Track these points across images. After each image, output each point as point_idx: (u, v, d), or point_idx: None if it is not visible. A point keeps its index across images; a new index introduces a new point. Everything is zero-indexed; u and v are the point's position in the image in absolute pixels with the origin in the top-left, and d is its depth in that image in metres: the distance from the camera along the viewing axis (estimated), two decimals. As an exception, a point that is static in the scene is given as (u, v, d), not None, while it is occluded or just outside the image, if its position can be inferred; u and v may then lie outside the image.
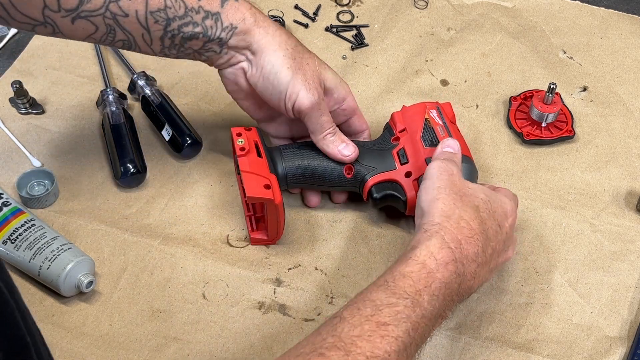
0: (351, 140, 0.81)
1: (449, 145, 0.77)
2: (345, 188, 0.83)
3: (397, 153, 0.81)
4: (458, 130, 0.83)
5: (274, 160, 0.80)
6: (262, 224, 0.82)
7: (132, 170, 0.86)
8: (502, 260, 0.74)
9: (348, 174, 0.81)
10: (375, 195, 0.80)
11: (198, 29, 0.74)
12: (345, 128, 0.84)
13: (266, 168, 0.78)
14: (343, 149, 0.80)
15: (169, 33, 0.73)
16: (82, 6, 0.69)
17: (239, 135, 0.79)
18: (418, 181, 0.78)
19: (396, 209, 0.82)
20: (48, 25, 0.69)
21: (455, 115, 0.86)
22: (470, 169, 0.79)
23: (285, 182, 0.80)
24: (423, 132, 0.81)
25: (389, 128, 0.84)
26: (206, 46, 0.76)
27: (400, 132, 0.82)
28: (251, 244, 0.83)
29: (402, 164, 0.80)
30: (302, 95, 0.76)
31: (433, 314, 0.63)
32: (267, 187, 0.76)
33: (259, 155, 0.79)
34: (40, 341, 0.58)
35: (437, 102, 0.84)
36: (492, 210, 0.71)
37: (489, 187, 0.76)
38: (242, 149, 0.78)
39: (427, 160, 0.77)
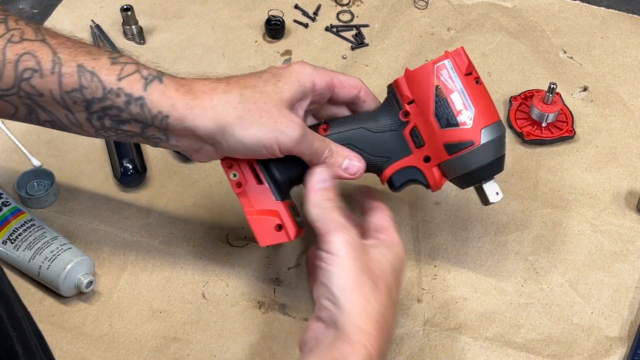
0: (353, 121, 0.72)
1: (320, 181, 0.67)
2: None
3: (410, 133, 0.70)
4: (479, 87, 0.69)
5: (276, 172, 0.71)
6: None
7: (131, 170, 0.86)
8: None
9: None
10: (396, 184, 0.72)
11: (124, 115, 0.65)
12: (334, 102, 0.74)
13: (271, 197, 0.70)
14: (347, 167, 0.70)
15: (94, 115, 0.65)
16: None
17: (230, 167, 0.70)
18: (440, 166, 0.70)
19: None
20: None
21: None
22: (498, 141, 0.69)
23: (289, 183, 0.73)
24: (436, 108, 0.68)
25: (394, 97, 0.71)
26: (146, 132, 0.66)
27: (409, 104, 0.70)
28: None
29: (417, 147, 0.70)
30: (282, 139, 0.66)
31: None
32: (279, 227, 0.70)
33: (259, 181, 0.70)
34: (38, 346, 0.58)
35: (446, 52, 0.69)
36: (398, 277, 0.66)
37: (375, 228, 0.69)
38: (239, 184, 0.70)
39: (447, 147, 0.68)
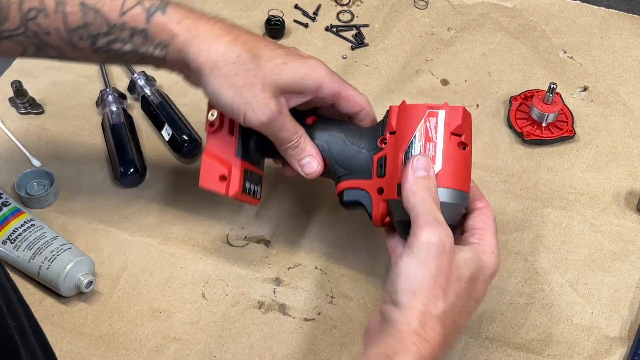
0: (338, 127, 0.73)
1: (421, 168, 0.64)
2: (322, 176, 0.74)
3: (378, 161, 0.69)
4: (459, 144, 0.67)
5: (248, 137, 0.73)
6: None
7: (131, 170, 0.86)
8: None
9: (324, 166, 0.73)
10: (344, 199, 0.72)
11: (128, 47, 0.67)
12: (336, 112, 0.74)
13: (233, 149, 0.72)
14: (304, 164, 0.71)
15: (100, 50, 0.67)
16: (1, 26, 0.65)
17: (212, 107, 0.72)
18: (388, 203, 0.68)
19: None
20: None
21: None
22: (451, 208, 0.65)
23: (262, 154, 0.75)
24: (409, 146, 0.66)
25: (383, 123, 0.71)
26: (145, 60, 0.69)
27: (390, 133, 0.69)
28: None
29: (378, 175, 0.69)
30: (249, 116, 0.67)
31: None
32: (222, 178, 0.71)
33: (232, 132, 0.72)
34: (39, 341, 0.58)
35: (445, 104, 0.67)
36: (472, 289, 0.63)
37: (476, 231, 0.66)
38: (212, 124, 0.72)
39: (399, 186, 0.65)
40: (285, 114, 0.69)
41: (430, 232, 0.60)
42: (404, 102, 0.70)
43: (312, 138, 0.72)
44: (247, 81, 0.66)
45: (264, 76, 0.66)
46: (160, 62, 0.69)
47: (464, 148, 0.68)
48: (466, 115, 0.68)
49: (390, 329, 0.59)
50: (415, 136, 0.67)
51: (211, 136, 0.72)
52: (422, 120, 0.67)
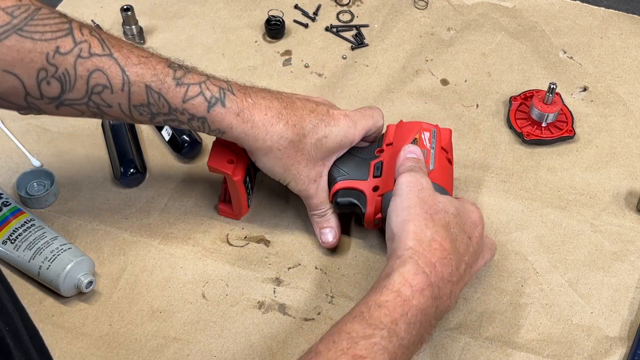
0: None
1: (411, 152, 0.74)
2: None
3: (374, 165, 0.79)
4: (447, 159, 0.80)
5: None
6: None
7: (131, 170, 0.86)
8: (477, 269, 0.73)
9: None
10: (338, 199, 0.79)
11: (185, 126, 0.72)
12: None
13: (241, 149, 0.77)
14: (324, 233, 0.81)
15: (156, 123, 0.72)
16: (64, 95, 0.67)
17: None
18: (382, 197, 0.76)
19: None
20: (33, 109, 0.68)
21: (456, 115, 0.85)
22: None
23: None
24: None
25: (381, 139, 0.82)
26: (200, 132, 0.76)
27: (387, 145, 0.80)
28: (218, 214, 0.85)
29: (374, 176, 0.78)
30: (292, 185, 0.78)
31: (411, 342, 0.62)
32: (231, 162, 0.77)
33: None
34: (35, 344, 0.58)
35: (436, 125, 0.81)
36: (462, 224, 0.70)
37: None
38: None
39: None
40: (321, 186, 0.80)
41: (408, 174, 0.70)
42: (401, 120, 0.82)
43: None
44: (295, 160, 0.76)
45: (308, 153, 0.76)
46: (213, 134, 0.75)
47: (450, 162, 0.81)
48: (450, 136, 0.82)
49: (389, 258, 0.67)
50: (412, 142, 0.78)
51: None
52: (417, 132, 0.79)
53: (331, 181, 0.80)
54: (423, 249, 0.65)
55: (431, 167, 0.77)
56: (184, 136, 0.89)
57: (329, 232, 0.81)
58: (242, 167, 0.78)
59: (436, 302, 0.65)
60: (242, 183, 0.79)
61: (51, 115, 0.69)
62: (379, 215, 0.76)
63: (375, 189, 0.77)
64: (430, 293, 0.64)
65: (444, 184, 0.76)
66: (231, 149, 0.78)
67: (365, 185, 0.78)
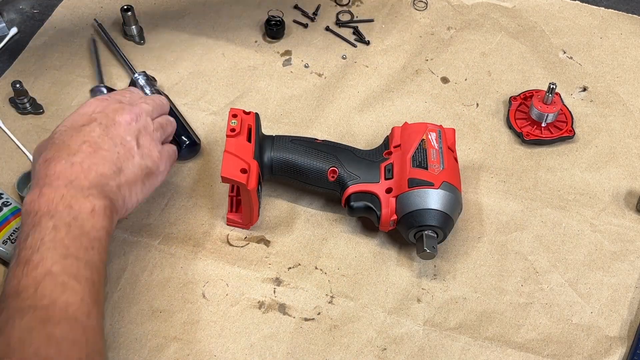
0: (346, 146, 0.83)
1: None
2: (326, 190, 0.83)
3: (385, 167, 0.80)
4: (454, 158, 0.81)
5: (264, 148, 0.81)
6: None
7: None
8: (153, 148, 0.76)
9: (332, 177, 0.81)
10: (352, 203, 0.79)
11: None
12: None
13: (251, 153, 0.79)
14: None
15: None
16: None
17: (235, 116, 0.81)
18: (397, 199, 0.78)
19: None
20: None
21: (456, 115, 0.86)
22: (453, 200, 0.77)
23: (270, 171, 0.82)
24: (415, 152, 0.79)
25: (386, 141, 0.84)
26: None
27: (394, 147, 0.82)
28: (226, 224, 0.84)
29: (386, 178, 0.80)
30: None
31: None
32: (244, 171, 0.77)
33: (249, 139, 0.80)
34: None
35: (440, 125, 0.83)
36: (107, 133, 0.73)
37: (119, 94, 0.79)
38: (233, 130, 0.79)
39: (410, 181, 0.77)
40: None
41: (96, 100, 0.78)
42: (405, 122, 0.83)
43: (322, 152, 0.82)
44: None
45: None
46: None
47: (456, 160, 0.82)
48: (454, 135, 0.83)
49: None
50: (420, 143, 0.80)
51: (230, 139, 0.79)
52: (424, 133, 0.81)
53: (343, 185, 0.81)
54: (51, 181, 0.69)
55: (442, 167, 0.78)
56: (183, 137, 0.89)
57: None
58: (255, 175, 0.78)
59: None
60: (255, 192, 0.78)
61: None
62: (394, 216, 0.78)
63: (389, 190, 0.79)
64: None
65: (455, 183, 0.78)
66: (242, 157, 0.78)
67: (378, 188, 0.79)
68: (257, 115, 0.83)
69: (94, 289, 0.65)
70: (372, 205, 0.79)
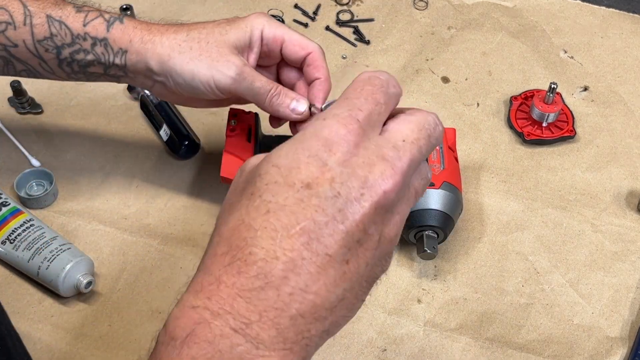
0: None
1: (294, 110, 0.71)
2: None
3: None
4: (455, 158, 0.81)
5: (264, 148, 0.81)
6: None
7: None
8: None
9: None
10: None
11: (90, 57, 0.72)
12: (287, 63, 0.76)
13: (250, 153, 0.78)
14: (294, 107, 0.71)
15: (64, 61, 0.72)
16: None
17: (234, 116, 0.80)
18: None
19: None
20: None
21: (457, 114, 0.85)
22: (453, 200, 0.77)
23: None
24: None
25: None
26: (109, 71, 0.73)
27: None
28: None
29: None
30: (218, 78, 0.69)
31: None
32: None
33: (249, 139, 0.79)
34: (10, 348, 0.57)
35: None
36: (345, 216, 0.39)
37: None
38: (233, 129, 0.79)
39: None
40: (251, 67, 0.71)
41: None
42: None
43: None
44: (202, 49, 0.70)
45: (215, 40, 0.70)
46: (122, 72, 0.73)
47: (457, 160, 0.81)
48: (454, 135, 0.83)
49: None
50: None
51: (230, 139, 0.79)
52: None
53: None
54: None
55: (442, 167, 0.78)
56: (182, 137, 0.89)
57: (299, 100, 0.71)
58: None
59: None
60: None
61: None
62: None
63: None
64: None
65: (456, 183, 0.78)
66: (242, 157, 0.78)
67: None
68: (256, 115, 0.82)
69: None
70: None
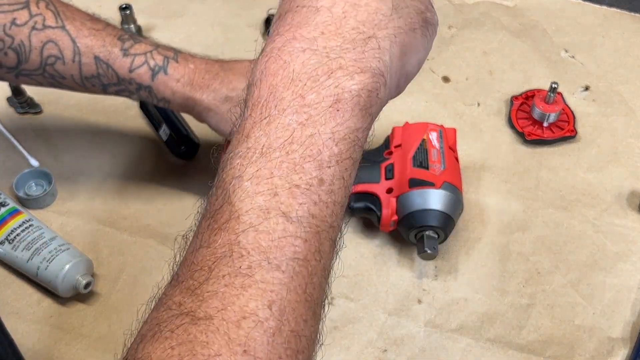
0: None
1: None
2: None
3: (385, 167, 0.80)
4: (455, 158, 0.81)
5: None
6: None
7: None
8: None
9: None
10: (352, 204, 0.79)
11: (135, 97, 0.76)
12: None
13: None
14: None
15: (109, 93, 0.76)
16: (21, 65, 0.71)
17: None
18: (397, 199, 0.77)
19: None
20: None
21: (457, 114, 0.85)
22: (454, 200, 0.77)
23: None
24: (416, 152, 0.80)
25: (386, 141, 0.84)
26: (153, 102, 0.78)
27: (395, 147, 0.82)
28: None
29: (386, 179, 0.80)
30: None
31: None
32: None
33: None
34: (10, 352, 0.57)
35: (441, 125, 0.83)
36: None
37: None
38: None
39: (411, 181, 0.77)
40: None
41: None
42: (406, 122, 0.83)
43: None
44: (229, 112, 0.75)
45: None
46: (167, 104, 0.77)
47: (457, 160, 0.82)
48: (455, 135, 0.83)
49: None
50: (421, 143, 0.80)
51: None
52: (425, 133, 0.81)
53: None
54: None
55: (442, 167, 0.78)
56: (182, 137, 0.88)
57: None
58: None
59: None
60: None
61: (15, 83, 0.74)
62: (395, 217, 0.77)
63: (389, 191, 0.79)
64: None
65: (456, 183, 0.78)
66: None
67: (379, 188, 0.79)
68: None
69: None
70: (372, 206, 0.79)
